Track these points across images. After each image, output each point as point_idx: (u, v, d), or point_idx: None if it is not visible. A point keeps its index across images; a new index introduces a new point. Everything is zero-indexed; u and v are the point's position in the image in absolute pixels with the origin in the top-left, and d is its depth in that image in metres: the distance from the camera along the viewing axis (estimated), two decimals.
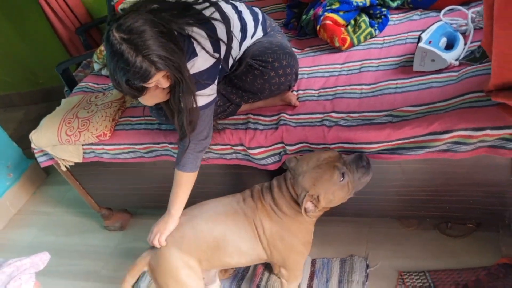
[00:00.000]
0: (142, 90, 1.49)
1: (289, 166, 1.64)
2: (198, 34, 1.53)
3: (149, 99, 1.61)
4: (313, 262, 2.01)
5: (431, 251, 1.91)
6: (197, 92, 1.56)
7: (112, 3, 2.76)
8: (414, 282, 1.83)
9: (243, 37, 1.78)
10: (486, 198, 1.64)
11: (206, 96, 1.60)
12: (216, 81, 1.64)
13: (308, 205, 1.55)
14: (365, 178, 1.57)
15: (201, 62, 1.55)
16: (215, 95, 1.65)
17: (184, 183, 1.73)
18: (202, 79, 1.57)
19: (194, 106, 1.56)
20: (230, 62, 1.74)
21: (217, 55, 1.58)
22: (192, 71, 1.54)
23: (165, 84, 1.49)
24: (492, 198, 1.63)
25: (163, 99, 1.61)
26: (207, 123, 1.66)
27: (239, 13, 1.75)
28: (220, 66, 1.64)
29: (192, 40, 1.53)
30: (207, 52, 1.54)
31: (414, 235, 2.00)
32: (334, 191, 1.54)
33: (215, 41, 1.57)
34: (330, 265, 1.99)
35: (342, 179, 1.52)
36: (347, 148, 1.64)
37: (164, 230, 1.70)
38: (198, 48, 1.53)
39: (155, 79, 1.44)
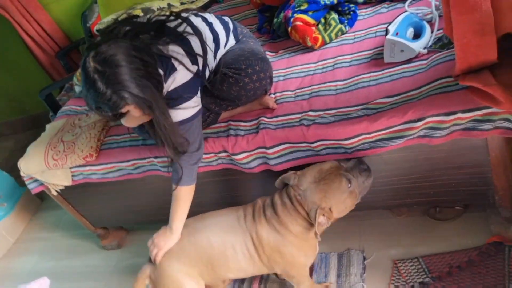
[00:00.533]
0: (115, 116, 1.50)
1: (291, 184, 1.62)
2: (175, 51, 1.55)
3: (129, 122, 1.62)
4: None
5: (422, 237, 1.94)
6: (181, 106, 1.58)
7: (88, 25, 2.79)
8: (408, 269, 1.85)
9: (217, 47, 1.80)
10: (468, 180, 1.67)
11: (191, 108, 1.61)
12: (198, 93, 1.65)
13: (321, 219, 1.54)
14: (368, 181, 1.60)
15: (181, 76, 1.57)
16: (199, 107, 1.66)
17: (182, 197, 1.73)
18: (185, 92, 1.59)
19: (178, 119, 1.58)
20: (207, 73, 1.76)
21: (195, 67, 1.60)
22: (173, 86, 1.56)
23: (137, 113, 1.50)
24: (474, 179, 1.66)
25: (143, 120, 1.62)
26: (197, 134, 1.67)
27: (209, 24, 1.78)
28: (199, 79, 1.66)
29: (171, 58, 1.54)
30: (185, 67, 1.56)
31: (405, 223, 2.03)
32: (345, 200, 1.55)
33: (192, 56, 1.60)
34: (328, 259, 2.01)
35: (350, 185, 1.54)
36: (328, 145, 1.67)
37: (164, 246, 1.72)
38: (176, 64, 1.55)
39: (126, 110, 1.45)
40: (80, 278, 2.56)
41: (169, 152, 1.62)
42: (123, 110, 1.45)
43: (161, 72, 1.52)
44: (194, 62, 1.60)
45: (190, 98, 1.60)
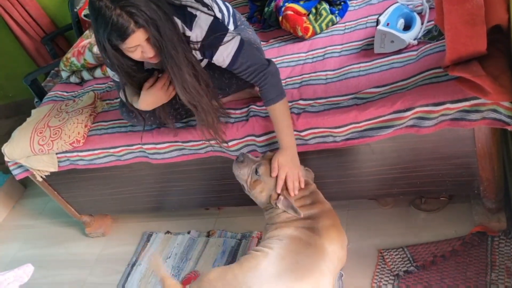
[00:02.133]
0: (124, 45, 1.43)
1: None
2: (189, 1, 1.55)
3: (139, 53, 1.50)
4: None
5: (408, 227, 1.96)
6: (221, 45, 1.56)
7: (75, 10, 2.75)
8: (393, 258, 1.88)
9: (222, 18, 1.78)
10: (454, 170, 1.69)
11: (231, 41, 1.57)
12: (228, 29, 1.61)
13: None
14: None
15: (203, 21, 1.54)
16: (239, 36, 1.60)
17: (283, 113, 1.64)
18: (216, 33, 1.56)
19: (230, 58, 1.56)
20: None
21: (211, 12, 1.59)
22: (203, 33, 1.54)
23: (149, 51, 1.46)
24: (460, 170, 1.68)
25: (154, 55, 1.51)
26: (255, 56, 1.61)
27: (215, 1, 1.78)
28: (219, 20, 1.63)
29: (186, 7, 1.53)
30: (203, 11, 1.55)
31: (391, 213, 2.05)
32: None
33: (204, 4, 1.60)
34: None
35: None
36: (317, 134, 1.68)
37: (291, 163, 1.61)
38: (193, 11, 1.54)
39: (136, 38, 1.40)
40: (64, 265, 2.54)
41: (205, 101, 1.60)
42: (133, 37, 1.38)
43: (179, 21, 1.51)
44: (209, 9, 1.60)
45: (224, 35, 1.57)
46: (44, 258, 2.63)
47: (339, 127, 1.63)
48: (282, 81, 1.85)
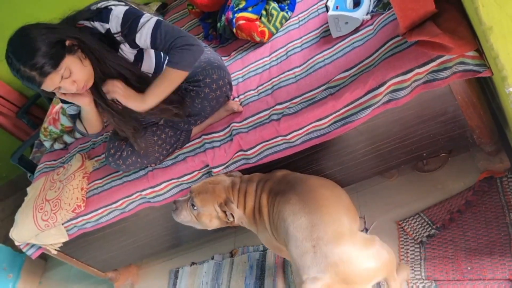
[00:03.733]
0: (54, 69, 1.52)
1: None
2: (100, 3, 1.62)
3: (76, 75, 1.57)
4: None
5: (418, 192, 1.97)
6: (138, 27, 1.58)
7: None
8: (413, 226, 1.89)
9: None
10: (444, 127, 1.69)
11: (147, 22, 1.59)
12: (144, 13, 1.63)
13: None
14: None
15: (117, 11, 1.59)
16: (155, 17, 1.62)
17: (170, 79, 1.64)
18: (131, 18, 1.59)
19: (149, 38, 1.59)
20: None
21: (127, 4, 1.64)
22: (118, 21, 1.59)
23: (75, 61, 1.55)
24: (450, 125, 1.68)
25: (87, 71, 1.60)
26: (177, 30, 1.62)
27: None
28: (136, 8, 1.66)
29: (100, 8, 1.60)
30: (117, 4, 1.61)
31: (398, 183, 2.06)
32: None
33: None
34: None
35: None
36: (302, 134, 1.68)
37: (127, 97, 1.65)
38: (107, 4, 1.61)
39: (50, 84, 1.52)
40: None
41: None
42: (45, 84, 1.50)
43: (97, 23, 1.60)
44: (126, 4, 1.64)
45: (139, 17, 1.59)
46: None
47: (320, 119, 1.64)
48: (254, 91, 1.87)
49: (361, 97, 1.55)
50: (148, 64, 1.80)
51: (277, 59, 1.91)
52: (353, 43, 1.68)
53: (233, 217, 1.66)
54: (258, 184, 1.72)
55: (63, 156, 2.50)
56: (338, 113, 1.61)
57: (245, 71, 1.98)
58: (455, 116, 1.63)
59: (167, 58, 1.67)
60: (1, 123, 3.22)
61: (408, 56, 1.46)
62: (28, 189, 2.39)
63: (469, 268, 1.66)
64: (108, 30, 1.61)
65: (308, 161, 1.85)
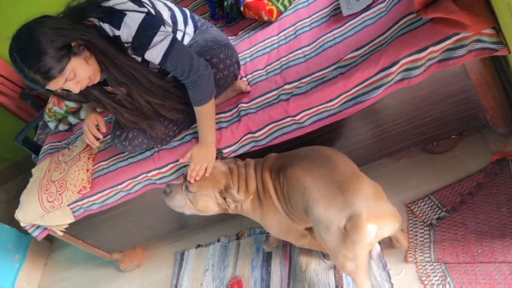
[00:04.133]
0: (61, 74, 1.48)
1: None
2: (117, 2, 1.54)
3: (80, 75, 1.54)
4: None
5: (428, 175, 1.94)
6: (150, 45, 1.54)
7: None
8: (422, 209, 1.87)
9: (173, 17, 1.76)
10: (457, 107, 1.66)
11: (161, 42, 1.55)
12: (161, 27, 1.57)
13: None
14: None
15: (131, 19, 1.52)
16: (170, 36, 1.57)
17: (206, 114, 1.69)
18: (145, 32, 1.54)
19: (159, 59, 1.56)
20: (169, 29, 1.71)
21: (144, 9, 1.56)
22: (131, 32, 1.53)
23: (81, 63, 1.51)
24: (463, 105, 1.65)
25: (93, 72, 1.58)
26: (188, 57, 1.60)
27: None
28: (154, 16, 1.60)
29: (113, 7, 1.53)
30: (132, 10, 1.53)
31: (407, 165, 2.03)
32: None
33: (138, 1, 1.57)
34: None
35: None
36: (311, 114, 1.65)
37: (209, 160, 1.69)
38: (122, 6, 1.53)
39: (54, 84, 1.48)
40: None
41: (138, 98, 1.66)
42: (50, 84, 1.47)
43: (107, 25, 1.53)
44: (141, 5, 1.57)
45: (154, 34, 1.54)
46: None
47: (330, 100, 1.60)
48: (262, 70, 1.83)
49: (372, 76, 1.51)
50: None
51: (285, 38, 1.87)
52: (365, 21, 1.64)
53: (232, 203, 1.67)
54: (256, 166, 1.71)
55: (68, 137, 2.47)
56: (349, 93, 1.58)
57: (253, 50, 1.94)
58: (469, 96, 1.60)
59: (191, 98, 1.67)
60: (5, 105, 3.19)
61: (423, 33, 1.42)
62: (33, 170, 2.38)
63: (479, 251, 1.64)
64: (118, 37, 1.55)
65: (316, 143, 1.81)
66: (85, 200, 2.10)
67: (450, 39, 1.38)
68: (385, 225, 1.46)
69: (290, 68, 1.75)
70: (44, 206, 2.11)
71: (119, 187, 2.04)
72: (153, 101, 1.69)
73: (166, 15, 1.71)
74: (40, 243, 3.11)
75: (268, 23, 1.99)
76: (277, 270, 2.06)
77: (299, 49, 1.78)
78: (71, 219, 2.18)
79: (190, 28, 1.85)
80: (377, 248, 1.49)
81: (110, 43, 1.54)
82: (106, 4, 1.53)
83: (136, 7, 1.54)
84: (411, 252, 1.77)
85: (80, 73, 1.51)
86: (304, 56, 1.74)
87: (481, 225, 1.70)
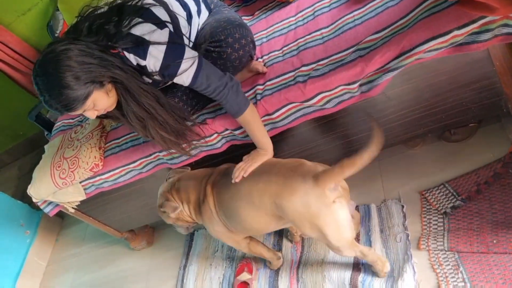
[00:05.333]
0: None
1: None
2: (140, 31, 1.50)
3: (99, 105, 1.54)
4: (356, 209, 1.98)
5: (443, 163, 1.91)
6: (177, 74, 1.54)
7: (56, 34, 2.70)
8: (437, 197, 1.84)
9: (189, 16, 1.73)
10: (478, 95, 1.62)
11: (187, 70, 1.55)
12: (184, 53, 1.55)
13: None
14: None
15: (156, 49, 1.50)
16: (195, 60, 1.56)
17: (251, 121, 1.67)
18: (170, 61, 1.53)
19: (188, 83, 1.57)
20: (187, 40, 1.69)
21: (165, 33, 1.53)
22: (157, 63, 1.51)
23: (102, 96, 1.49)
24: (484, 93, 1.61)
25: (111, 104, 1.57)
26: (216, 74, 1.59)
27: None
28: (176, 43, 1.57)
29: (135, 35, 1.49)
30: (157, 43, 1.50)
31: (423, 153, 2.00)
32: None
33: (159, 24, 1.53)
34: (370, 212, 1.96)
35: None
36: (328, 97, 1.62)
37: (258, 161, 1.68)
38: (145, 36, 1.49)
39: (89, 103, 1.45)
40: (120, 283, 2.59)
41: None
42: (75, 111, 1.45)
43: (131, 55, 1.51)
44: (163, 27, 1.54)
45: (180, 62, 1.53)
46: (99, 282, 2.69)
47: (348, 84, 1.57)
48: (279, 52, 1.80)
49: (392, 60, 1.47)
50: None
51: (303, 19, 1.83)
52: (386, 2, 1.59)
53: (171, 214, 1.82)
54: (203, 179, 1.80)
55: (80, 115, 2.47)
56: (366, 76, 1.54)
57: (269, 31, 1.91)
58: (491, 83, 1.56)
59: (229, 112, 1.66)
60: (18, 81, 3.19)
61: (447, 16, 1.37)
62: (45, 146, 2.38)
63: (494, 241, 1.61)
64: (144, 66, 1.53)
65: (333, 126, 1.80)
66: (97, 178, 2.10)
67: (475, 23, 1.34)
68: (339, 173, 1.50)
69: (307, 49, 1.71)
70: (56, 183, 2.11)
71: (131, 165, 2.03)
72: (167, 138, 1.69)
73: (181, 12, 1.68)
74: (51, 219, 3.15)
75: (286, 3, 1.95)
76: (288, 254, 2.05)
77: (317, 30, 1.73)
78: (82, 196, 2.19)
79: (204, 15, 1.81)
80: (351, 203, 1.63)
81: (132, 75, 1.52)
82: (135, 32, 1.49)
83: (157, 32, 1.51)
84: (424, 239, 1.75)
85: (99, 104, 1.50)
86: (322, 38, 1.70)
87: (497, 215, 1.67)
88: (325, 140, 1.90)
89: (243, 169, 1.66)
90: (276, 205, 1.55)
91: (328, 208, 1.47)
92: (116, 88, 1.53)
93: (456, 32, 1.36)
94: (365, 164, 1.43)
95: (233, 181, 1.66)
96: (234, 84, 1.62)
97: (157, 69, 1.53)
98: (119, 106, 1.61)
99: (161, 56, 1.51)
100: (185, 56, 1.54)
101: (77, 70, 1.38)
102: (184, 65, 1.53)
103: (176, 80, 1.57)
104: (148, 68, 1.53)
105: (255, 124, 1.68)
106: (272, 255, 2.00)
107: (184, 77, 1.56)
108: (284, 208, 1.53)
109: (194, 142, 1.79)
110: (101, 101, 1.49)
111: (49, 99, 1.40)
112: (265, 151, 1.70)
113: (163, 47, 1.51)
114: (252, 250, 1.95)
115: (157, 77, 1.57)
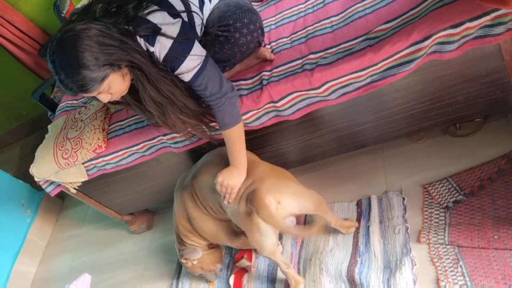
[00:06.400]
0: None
1: None
2: (158, 19, 1.48)
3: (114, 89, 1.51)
4: (359, 203, 2.00)
5: (447, 157, 1.91)
6: (181, 67, 1.51)
7: (62, 15, 2.68)
8: (439, 191, 1.84)
9: (201, 2, 1.71)
10: (486, 89, 1.61)
11: (192, 66, 1.53)
12: (192, 49, 1.53)
13: None
14: None
15: (163, 42, 1.49)
16: (201, 58, 1.54)
17: (236, 138, 1.67)
18: (177, 53, 1.51)
19: (189, 79, 1.54)
20: (198, 29, 1.67)
21: (177, 27, 1.51)
22: (163, 51, 1.49)
23: (118, 79, 1.47)
24: (492, 87, 1.60)
25: (125, 87, 1.54)
26: (218, 79, 1.58)
27: None
28: (187, 33, 1.55)
29: (149, 21, 1.47)
30: (169, 36, 1.48)
31: (427, 146, 1.99)
32: None
33: (173, 14, 1.51)
34: (371, 203, 1.96)
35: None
36: (336, 85, 1.61)
37: (236, 185, 1.69)
38: (157, 22, 1.47)
39: (104, 85, 1.43)
40: (118, 266, 2.60)
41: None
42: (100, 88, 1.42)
43: (145, 42, 1.48)
44: (176, 17, 1.52)
45: (184, 59, 1.52)
46: (98, 263, 2.70)
47: (356, 72, 1.56)
48: (287, 39, 1.79)
49: (402, 50, 1.46)
50: None
51: (313, 6, 1.82)
52: None
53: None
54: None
55: (84, 97, 2.46)
56: (375, 67, 1.53)
57: (278, 17, 1.89)
58: (500, 78, 1.55)
59: (218, 121, 1.65)
60: (23, 60, 3.18)
61: (459, 8, 1.36)
62: (49, 126, 2.38)
63: (496, 237, 1.61)
64: (152, 53, 1.50)
65: (333, 117, 1.79)
66: (100, 159, 2.10)
67: (488, 15, 1.32)
68: (286, 200, 1.63)
69: (316, 37, 1.70)
70: (59, 163, 2.11)
71: (134, 148, 2.03)
72: (188, 122, 1.68)
73: (194, 0, 1.66)
74: (52, 200, 3.16)
75: None
76: (288, 246, 2.05)
77: (327, 18, 1.72)
78: (84, 177, 2.19)
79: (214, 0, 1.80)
80: (291, 220, 1.73)
81: (150, 60, 1.50)
82: (153, 20, 1.47)
83: (171, 29, 1.49)
84: (425, 232, 1.75)
85: (114, 88, 1.47)
86: (332, 26, 1.69)
87: (499, 211, 1.67)
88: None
89: (229, 196, 1.70)
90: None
91: (255, 221, 1.62)
92: (133, 73, 1.50)
93: (468, 24, 1.35)
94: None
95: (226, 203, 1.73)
96: (233, 95, 1.62)
97: (162, 57, 1.51)
98: (132, 91, 1.59)
99: (168, 45, 1.49)
100: (192, 52, 1.52)
101: (96, 50, 1.35)
102: (188, 61, 1.52)
103: (177, 73, 1.55)
104: (154, 53, 1.51)
105: (239, 141, 1.68)
106: None
107: (185, 73, 1.54)
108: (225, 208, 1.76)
109: (213, 124, 1.77)
110: (117, 84, 1.47)
111: (64, 78, 1.37)
112: (239, 171, 1.69)
113: (169, 43, 1.49)
114: (246, 243, 2.00)
115: (161, 66, 1.54)
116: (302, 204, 1.69)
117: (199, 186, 1.84)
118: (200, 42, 1.68)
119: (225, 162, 1.73)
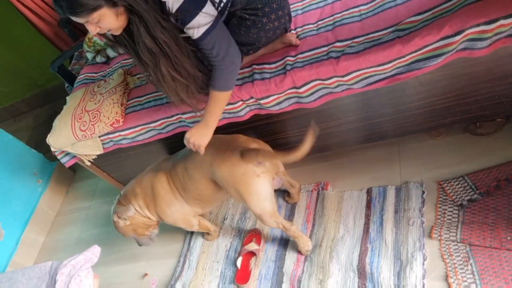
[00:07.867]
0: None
1: None
2: None
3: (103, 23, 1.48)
4: (369, 191, 2.00)
5: (465, 155, 1.90)
6: (192, 23, 1.50)
7: None
8: (455, 188, 1.83)
9: None
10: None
11: (203, 25, 1.51)
12: (205, 7, 1.51)
13: None
14: None
15: None
16: (212, 18, 1.52)
17: (219, 101, 1.67)
18: (189, 8, 1.49)
19: (197, 37, 1.52)
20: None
21: None
22: (174, 3, 1.47)
23: (112, 21, 1.45)
24: None
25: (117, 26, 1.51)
26: (226, 42, 1.57)
27: None
28: None
29: None
30: None
31: (445, 143, 1.98)
32: None
33: None
34: (386, 193, 1.96)
35: None
36: (361, 76, 1.60)
37: (203, 142, 1.71)
38: None
39: (94, 16, 1.41)
40: (124, 241, 2.58)
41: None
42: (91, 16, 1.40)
43: None
44: None
45: (196, 13, 1.49)
46: (106, 236, 2.72)
47: (382, 64, 1.54)
48: (314, 25, 1.78)
49: (432, 44, 1.45)
50: None
51: None
52: None
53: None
54: (145, 178, 2.03)
55: (104, 70, 2.47)
56: (403, 59, 1.51)
57: (305, 3, 1.88)
58: None
59: (214, 81, 1.63)
60: (42, 30, 3.18)
61: (495, 4, 1.34)
62: (67, 98, 2.39)
63: (509, 238, 1.61)
64: (164, 3, 1.48)
65: (356, 107, 1.78)
66: (117, 134, 2.11)
67: None
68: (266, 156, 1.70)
69: (343, 26, 1.69)
70: (76, 134, 2.12)
71: (152, 125, 2.03)
72: (178, 79, 1.64)
73: None
74: (64, 171, 3.19)
75: None
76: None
77: (356, 7, 1.71)
78: (100, 151, 2.20)
79: None
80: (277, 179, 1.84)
81: (153, 7, 1.48)
82: None
83: None
84: (437, 229, 1.75)
85: (104, 23, 1.45)
86: (360, 15, 1.67)
87: None
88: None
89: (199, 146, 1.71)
90: (211, 172, 1.77)
91: (251, 180, 1.70)
92: (129, 15, 1.48)
93: (502, 22, 1.33)
94: (290, 161, 1.63)
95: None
96: (237, 64, 1.61)
97: (174, 9, 1.48)
98: (130, 34, 1.56)
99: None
100: (205, 10, 1.50)
101: None
102: (200, 17, 1.49)
103: (186, 29, 1.53)
104: (166, 4, 1.48)
105: (220, 105, 1.69)
106: (216, 228, 2.25)
107: (195, 30, 1.52)
108: (216, 174, 1.76)
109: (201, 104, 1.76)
110: (108, 20, 1.44)
111: None
112: (207, 128, 1.69)
113: None
114: (201, 227, 2.16)
115: (171, 19, 1.52)
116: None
117: (182, 172, 1.89)
118: (222, 16, 1.66)
119: (211, 152, 1.76)
